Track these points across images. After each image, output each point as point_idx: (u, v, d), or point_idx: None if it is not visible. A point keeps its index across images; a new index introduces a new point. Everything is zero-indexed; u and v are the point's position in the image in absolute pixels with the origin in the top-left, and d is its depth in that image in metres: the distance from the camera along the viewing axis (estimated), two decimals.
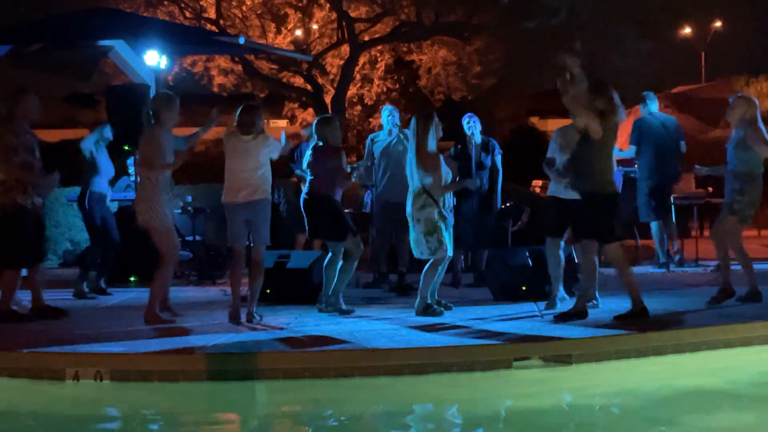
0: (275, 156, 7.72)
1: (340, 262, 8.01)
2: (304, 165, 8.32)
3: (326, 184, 8.00)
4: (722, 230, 8.03)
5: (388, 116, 9.94)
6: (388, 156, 9.75)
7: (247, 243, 7.71)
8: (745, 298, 7.97)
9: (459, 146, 9.73)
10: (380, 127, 10.19)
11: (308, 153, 8.23)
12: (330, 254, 8.11)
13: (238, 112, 7.66)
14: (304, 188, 8.23)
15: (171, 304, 7.93)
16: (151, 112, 7.67)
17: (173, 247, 7.66)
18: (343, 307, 8.01)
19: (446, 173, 7.79)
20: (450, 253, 7.86)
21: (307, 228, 8.28)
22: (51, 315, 7.96)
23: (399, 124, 9.95)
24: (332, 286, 8.01)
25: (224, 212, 7.69)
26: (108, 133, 9.73)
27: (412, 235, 7.79)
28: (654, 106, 11.51)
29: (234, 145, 7.61)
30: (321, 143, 8.10)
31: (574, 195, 7.48)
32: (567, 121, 7.81)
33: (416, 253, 7.85)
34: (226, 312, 7.73)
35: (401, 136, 9.84)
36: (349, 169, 8.20)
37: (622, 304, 8.19)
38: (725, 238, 8.01)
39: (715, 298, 7.97)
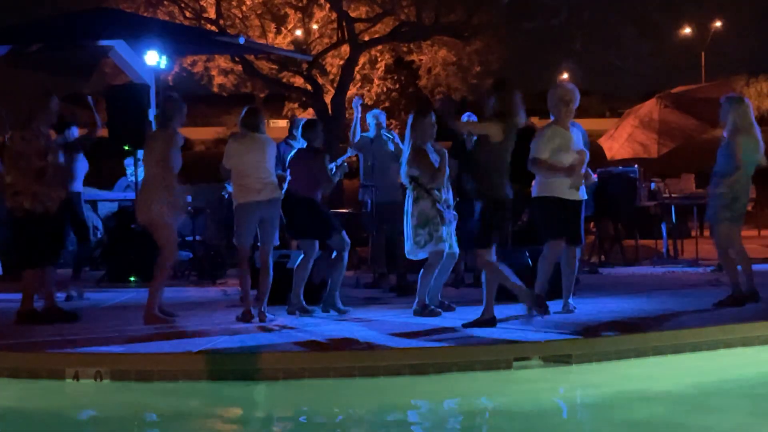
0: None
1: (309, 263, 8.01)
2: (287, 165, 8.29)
3: (308, 187, 7.97)
4: (722, 238, 8.01)
5: (373, 120, 10.03)
6: (378, 156, 9.78)
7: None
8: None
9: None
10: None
11: (290, 154, 8.24)
12: (302, 256, 8.08)
13: (243, 113, 7.73)
14: (284, 189, 8.22)
15: (164, 304, 7.91)
16: (165, 114, 7.69)
17: (175, 244, 7.69)
18: (341, 307, 8.01)
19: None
20: (455, 249, 7.88)
21: (287, 227, 8.26)
22: (62, 318, 7.88)
23: (384, 125, 10.04)
24: (302, 288, 8.01)
25: (238, 212, 7.65)
26: (74, 133, 9.54)
27: (405, 230, 7.79)
28: None
29: (248, 144, 7.62)
30: (305, 145, 8.10)
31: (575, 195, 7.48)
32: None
33: (406, 248, 7.83)
34: (226, 312, 7.74)
35: (388, 137, 9.91)
36: (334, 169, 8.18)
37: (622, 305, 8.21)
38: (726, 243, 7.99)
39: (722, 302, 7.94)
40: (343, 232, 8.05)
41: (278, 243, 7.75)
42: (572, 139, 7.62)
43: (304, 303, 8.03)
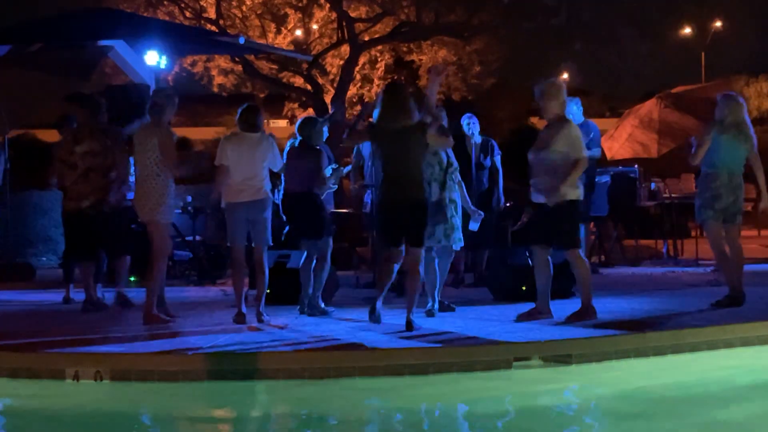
0: (276, 168, 7.70)
1: (314, 263, 7.98)
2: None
3: (301, 183, 7.91)
4: (710, 237, 8.02)
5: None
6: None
7: (246, 243, 7.69)
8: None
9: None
10: None
11: (285, 153, 8.16)
12: (305, 254, 8.04)
13: (240, 111, 7.63)
14: (281, 189, 8.18)
15: (167, 304, 7.91)
16: (156, 106, 7.63)
17: (169, 243, 7.71)
18: (323, 308, 7.99)
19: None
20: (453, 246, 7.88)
21: (288, 228, 8.21)
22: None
23: None
24: (311, 288, 7.98)
25: (226, 213, 7.65)
26: None
27: (456, 221, 7.84)
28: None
29: (239, 145, 7.57)
30: (298, 143, 8.04)
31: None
32: None
33: (456, 236, 7.83)
34: (226, 312, 7.73)
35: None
36: (329, 172, 8.09)
37: (622, 305, 8.21)
38: (714, 242, 7.98)
39: (720, 302, 7.93)
40: (330, 238, 8.00)
41: (272, 243, 7.70)
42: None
43: (322, 304, 8.02)
